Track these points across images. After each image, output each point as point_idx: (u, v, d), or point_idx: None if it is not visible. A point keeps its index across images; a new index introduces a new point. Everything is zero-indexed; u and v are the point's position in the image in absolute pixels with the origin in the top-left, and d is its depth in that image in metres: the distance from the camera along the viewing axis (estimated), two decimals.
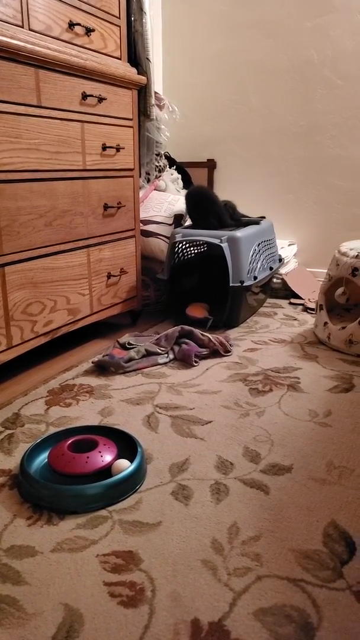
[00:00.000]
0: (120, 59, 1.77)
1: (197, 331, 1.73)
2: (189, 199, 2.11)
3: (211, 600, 0.74)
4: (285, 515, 0.92)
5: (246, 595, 0.75)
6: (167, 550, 0.84)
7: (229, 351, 1.71)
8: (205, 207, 2.08)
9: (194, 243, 2.17)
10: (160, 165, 2.37)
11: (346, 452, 1.12)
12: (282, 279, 2.44)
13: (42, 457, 1.09)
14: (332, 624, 0.70)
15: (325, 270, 2.59)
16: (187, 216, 2.21)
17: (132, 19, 1.98)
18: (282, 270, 2.46)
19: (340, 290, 1.82)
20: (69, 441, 1.09)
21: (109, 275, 1.83)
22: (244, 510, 0.94)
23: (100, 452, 1.06)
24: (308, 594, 0.75)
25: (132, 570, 0.80)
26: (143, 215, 2.22)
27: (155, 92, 2.19)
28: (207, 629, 0.70)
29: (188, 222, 2.29)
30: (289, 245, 2.61)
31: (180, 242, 2.05)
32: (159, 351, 1.66)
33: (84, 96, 1.59)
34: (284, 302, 2.37)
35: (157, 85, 2.74)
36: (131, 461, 1.03)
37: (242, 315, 2.03)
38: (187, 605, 0.73)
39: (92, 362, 1.62)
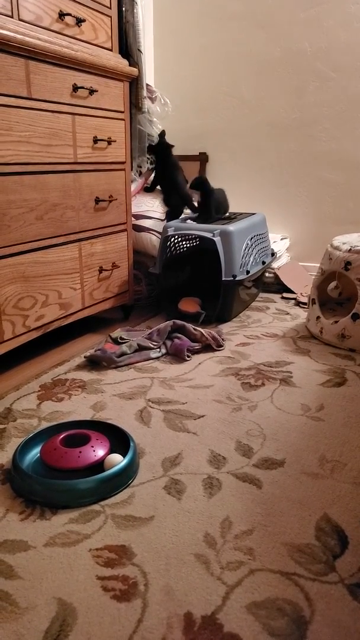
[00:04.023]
0: (111, 50, 1.75)
1: (190, 325, 1.73)
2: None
3: (204, 594, 0.74)
4: (278, 509, 0.92)
5: (239, 588, 0.75)
6: (160, 545, 0.84)
7: (221, 346, 1.71)
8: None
9: (186, 237, 2.17)
10: (152, 158, 2.36)
11: (339, 446, 1.13)
12: (275, 273, 2.44)
13: (35, 452, 1.09)
14: (325, 617, 0.71)
15: (318, 265, 2.60)
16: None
17: (123, 9, 1.96)
18: (275, 265, 2.46)
19: (332, 284, 1.82)
20: (62, 436, 1.09)
21: (101, 270, 1.82)
22: (236, 504, 0.94)
23: (92, 446, 1.05)
24: (301, 588, 0.75)
25: (125, 565, 0.80)
26: (135, 209, 2.20)
27: (147, 84, 2.17)
28: (200, 623, 0.70)
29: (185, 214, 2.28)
30: (282, 239, 2.61)
31: (173, 236, 2.04)
32: (151, 346, 1.66)
33: (75, 88, 1.57)
34: (276, 297, 2.37)
35: (149, 77, 2.72)
36: (124, 456, 1.03)
37: (235, 310, 2.03)
38: (180, 599, 0.74)
39: (84, 357, 1.61)
